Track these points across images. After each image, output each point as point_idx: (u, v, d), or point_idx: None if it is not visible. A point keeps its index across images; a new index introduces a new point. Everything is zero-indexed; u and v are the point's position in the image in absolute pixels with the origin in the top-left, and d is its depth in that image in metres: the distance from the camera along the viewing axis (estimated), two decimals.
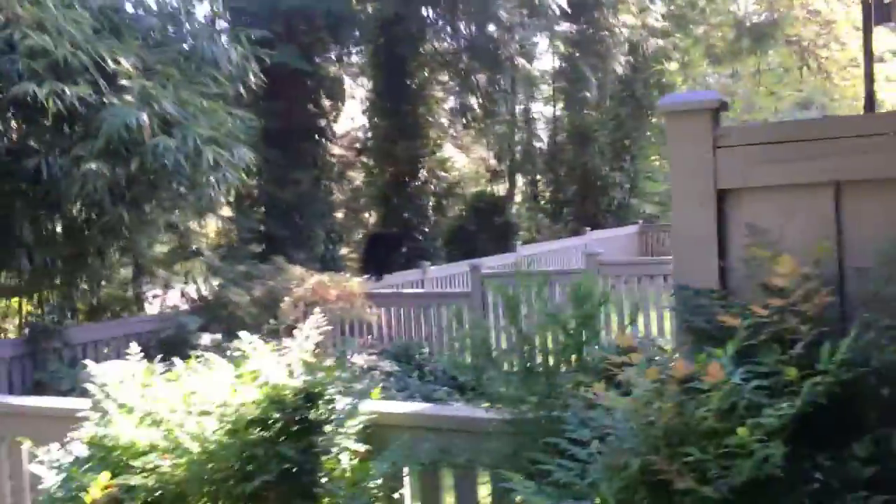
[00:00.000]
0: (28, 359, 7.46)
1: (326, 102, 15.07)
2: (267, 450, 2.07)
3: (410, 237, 16.62)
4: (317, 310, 2.78)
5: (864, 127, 2.28)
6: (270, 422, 2.14)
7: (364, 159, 18.81)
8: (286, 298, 9.31)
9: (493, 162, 22.30)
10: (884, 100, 21.34)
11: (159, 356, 2.73)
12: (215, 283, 10.03)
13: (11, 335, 9.00)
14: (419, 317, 9.67)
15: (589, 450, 2.11)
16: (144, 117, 7.22)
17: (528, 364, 2.36)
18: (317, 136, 14.54)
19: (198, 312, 9.21)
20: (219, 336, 8.68)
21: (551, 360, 2.39)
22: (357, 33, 13.95)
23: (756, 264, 2.33)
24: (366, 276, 10.73)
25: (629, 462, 1.91)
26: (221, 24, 9.83)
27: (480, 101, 16.46)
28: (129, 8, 8.81)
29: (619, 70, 16.74)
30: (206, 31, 8.58)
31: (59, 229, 8.54)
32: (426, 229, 18.18)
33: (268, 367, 2.24)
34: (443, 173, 20.88)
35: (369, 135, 19.05)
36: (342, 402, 2.42)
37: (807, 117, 24.09)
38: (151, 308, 11.23)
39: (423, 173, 18.67)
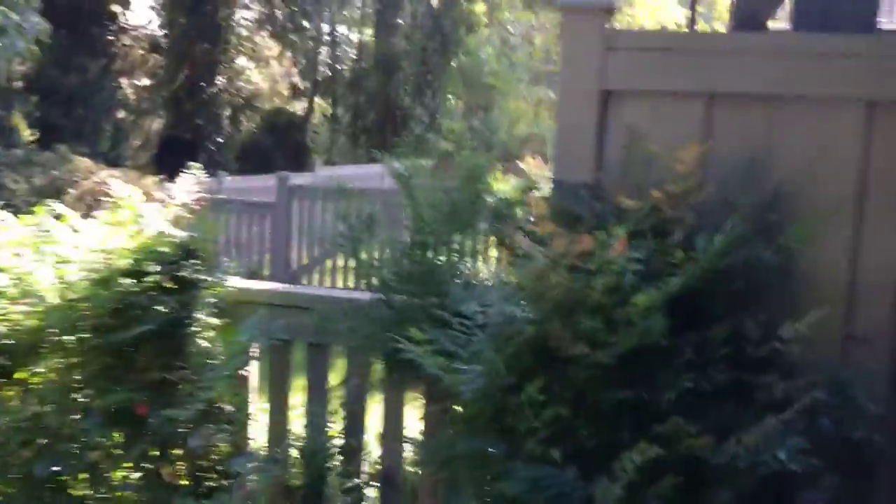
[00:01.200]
0: None
1: None
2: (148, 300, 1.91)
3: (204, 145, 15.84)
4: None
5: (737, 44, 2.47)
6: (145, 274, 1.98)
7: (158, 57, 17.50)
8: (70, 191, 8.56)
9: (294, 80, 21.63)
10: None
11: None
12: None
13: None
14: (218, 224, 9.25)
15: (475, 321, 2.16)
16: None
17: (419, 241, 2.35)
18: (108, 22, 13.28)
19: None
20: None
21: (432, 240, 2.40)
22: None
23: (631, 163, 2.48)
24: (159, 178, 10.07)
25: (522, 329, 1.98)
26: None
27: (290, 11, 15.82)
28: None
29: (434, 1, 16.75)
30: None
31: None
32: (220, 140, 17.40)
33: (148, 213, 2.06)
34: (241, 84, 19.98)
35: (165, 32, 17.73)
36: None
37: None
38: None
39: (220, 80, 17.77)
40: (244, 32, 20.03)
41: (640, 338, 1.93)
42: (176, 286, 2.03)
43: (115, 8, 13.44)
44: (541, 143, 24.80)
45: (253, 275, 9.01)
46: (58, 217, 2.25)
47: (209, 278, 2.13)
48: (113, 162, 12.00)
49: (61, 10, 10.57)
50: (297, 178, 13.30)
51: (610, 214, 2.39)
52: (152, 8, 17.64)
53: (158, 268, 1.98)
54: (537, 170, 8.84)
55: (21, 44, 7.15)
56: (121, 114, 15.48)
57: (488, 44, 25.43)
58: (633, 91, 2.50)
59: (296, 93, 21.92)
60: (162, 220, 2.09)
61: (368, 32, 22.05)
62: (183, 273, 2.04)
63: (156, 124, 19.26)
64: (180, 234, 2.06)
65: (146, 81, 17.80)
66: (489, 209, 2.42)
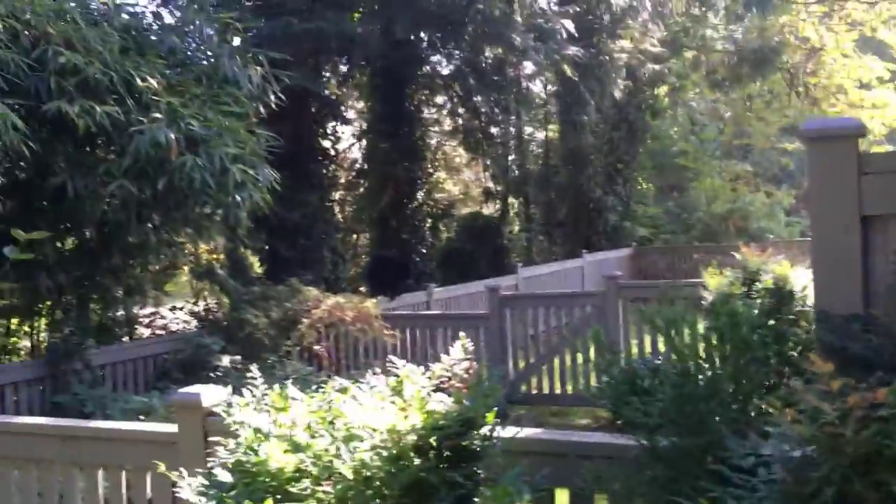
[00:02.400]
0: (48, 381, 7.30)
1: (330, 123, 15.04)
2: (439, 477, 2.02)
3: (410, 258, 16.64)
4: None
5: None
6: (430, 448, 2.10)
7: (362, 181, 18.82)
8: (304, 320, 9.24)
9: (488, 184, 22.36)
10: (870, 127, 21.74)
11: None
12: (226, 302, 9.97)
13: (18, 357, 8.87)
14: (435, 338, 9.59)
15: (759, 477, 2.08)
16: (172, 135, 7.15)
17: (684, 389, 2.32)
18: (321, 158, 14.50)
19: (213, 334, 9.11)
20: (238, 358, 8.59)
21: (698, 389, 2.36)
22: (362, 56, 13.92)
23: None
24: (379, 298, 10.66)
25: (821, 490, 1.89)
26: (236, 41, 9.75)
27: (480, 123, 16.54)
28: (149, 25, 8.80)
29: (618, 94, 16.90)
30: (227, 50, 8.53)
31: (73, 248, 8.43)
32: (423, 250, 18.19)
33: (425, 391, 2.20)
34: (439, 195, 20.95)
35: (365, 156, 19.11)
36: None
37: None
38: (143, 331, 11.13)
39: (420, 195, 18.73)
40: (443, 147, 21.14)
41: None
42: (460, 458, 2.13)
43: (326, 143, 14.69)
44: (742, 217, 23.86)
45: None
46: (343, 390, 2.45)
47: (490, 448, 2.21)
48: (333, 285, 12.88)
49: (283, 153, 11.62)
50: (503, 282, 13.61)
51: (889, 348, 2.26)
52: (354, 135, 19.10)
53: (443, 442, 2.09)
54: (754, 258, 8.33)
55: (257, 195, 7.95)
56: (336, 237, 16.63)
57: (675, 125, 25.14)
58: None
59: (489, 196, 22.59)
60: (440, 394, 2.22)
61: (553, 128, 22.52)
62: (466, 445, 2.14)
63: (363, 241, 20.58)
64: (460, 406, 2.17)
65: (353, 203, 19.12)
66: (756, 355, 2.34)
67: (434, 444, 2.13)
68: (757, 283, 7.68)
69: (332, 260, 13.77)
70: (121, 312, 10.68)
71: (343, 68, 15.40)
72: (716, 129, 25.61)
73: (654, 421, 2.42)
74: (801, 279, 7.42)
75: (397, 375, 2.34)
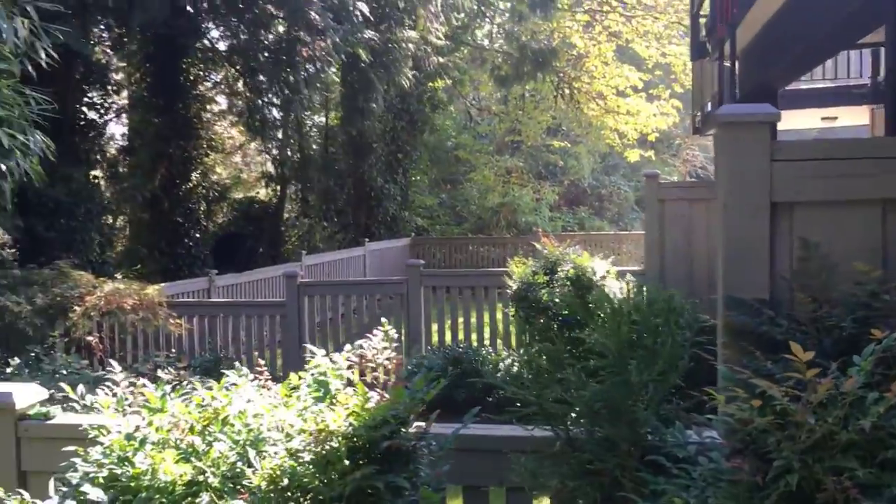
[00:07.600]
0: None
1: (97, 94, 13.61)
2: (383, 482, 1.72)
3: (183, 242, 15.62)
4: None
5: None
6: (361, 451, 1.79)
7: (126, 157, 17.26)
8: (76, 308, 8.24)
9: (268, 167, 21.54)
10: (625, 132, 23.64)
11: None
12: None
13: None
14: (227, 328, 8.98)
15: (701, 467, 2.02)
16: None
17: (620, 377, 2.20)
18: (86, 130, 13.08)
19: None
20: None
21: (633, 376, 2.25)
22: (140, 19, 12.66)
23: (808, 277, 2.39)
24: (160, 286, 9.78)
25: (784, 478, 1.84)
26: None
27: (263, 103, 15.82)
28: None
29: (405, 83, 16.91)
30: None
31: None
32: (198, 235, 17.11)
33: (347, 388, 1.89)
34: (214, 177, 19.83)
35: (134, 131, 17.56)
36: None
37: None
38: None
39: (194, 176, 17.58)
40: (214, 126, 20.00)
41: None
42: (393, 460, 1.85)
43: (93, 115, 13.25)
44: (511, 211, 25.00)
45: (277, 378, 8.72)
46: (230, 387, 2.07)
47: (427, 447, 1.95)
48: (99, 269, 11.68)
49: (44, 122, 10.36)
50: (285, 270, 13.02)
51: (796, 332, 2.31)
52: (124, 109, 17.55)
53: (381, 443, 1.80)
54: (554, 249, 8.57)
55: (26, 165, 6.95)
56: (103, 219, 15.15)
57: (451, 118, 25.78)
58: (802, 201, 2.43)
59: (269, 180, 21.81)
60: (349, 389, 1.92)
61: (334, 116, 22.16)
62: (403, 445, 1.86)
63: (125, 224, 18.92)
64: (390, 403, 1.88)
65: (119, 182, 17.49)
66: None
67: (365, 445, 1.83)
68: (558, 272, 7.97)
69: (99, 242, 12.46)
70: None
71: (116, 32, 13.98)
72: (489, 125, 26.60)
73: (577, 411, 2.30)
74: (600, 268, 7.79)
75: (316, 365, 2.00)
